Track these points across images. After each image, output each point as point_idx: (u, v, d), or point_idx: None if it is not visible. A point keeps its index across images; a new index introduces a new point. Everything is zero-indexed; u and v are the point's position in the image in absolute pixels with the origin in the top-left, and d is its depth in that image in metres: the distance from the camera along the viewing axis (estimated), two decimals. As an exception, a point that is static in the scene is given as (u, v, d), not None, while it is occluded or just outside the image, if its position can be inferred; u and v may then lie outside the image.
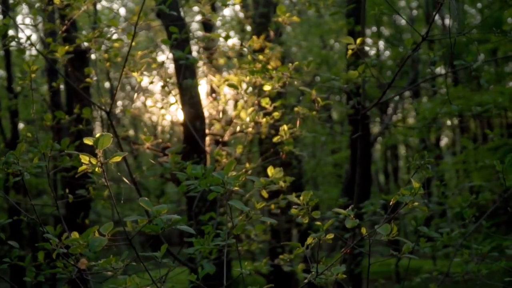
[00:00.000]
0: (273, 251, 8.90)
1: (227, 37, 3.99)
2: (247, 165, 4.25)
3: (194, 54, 7.82)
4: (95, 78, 4.71)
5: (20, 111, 11.70)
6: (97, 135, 2.25)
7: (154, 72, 4.44)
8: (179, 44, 5.18)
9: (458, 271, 4.39)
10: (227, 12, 27.49)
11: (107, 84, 13.39)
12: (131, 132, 17.93)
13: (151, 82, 3.89)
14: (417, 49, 3.37)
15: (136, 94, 4.17)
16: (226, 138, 4.69)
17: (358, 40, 3.31)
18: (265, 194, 3.40)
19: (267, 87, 3.62)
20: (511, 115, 12.16)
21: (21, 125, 13.33)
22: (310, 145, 11.53)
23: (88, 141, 2.27)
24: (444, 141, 18.72)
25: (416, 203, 2.29)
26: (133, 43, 3.65)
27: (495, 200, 7.80)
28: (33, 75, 3.31)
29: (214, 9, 13.20)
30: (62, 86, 10.99)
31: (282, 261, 3.80)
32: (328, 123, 11.34)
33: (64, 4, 3.56)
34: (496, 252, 4.50)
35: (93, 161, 2.30)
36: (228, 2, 3.69)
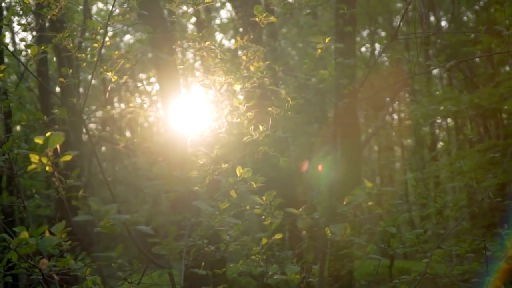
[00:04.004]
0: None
1: (202, 37, 3.97)
2: (223, 165, 4.22)
3: (192, 55, 7.83)
4: (83, 78, 4.69)
5: (13, 113, 11.70)
6: (47, 134, 2.24)
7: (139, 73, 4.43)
8: (160, 42, 5.17)
9: (441, 271, 4.36)
10: (223, 13, 27.45)
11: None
12: (128, 134, 17.93)
13: (124, 81, 3.87)
14: (387, 47, 3.35)
15: (107, 94, 4.15)
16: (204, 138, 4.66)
17: (327, 40, 3.29)
18: (233, 194, 3.38)
19: (237, 86, 3.61)
20: (506, 116, 12.11)
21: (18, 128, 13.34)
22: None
23: (38, 140, 2.25)
24: (441, 143, 18.71)
25: (370, 203, 2.26)
26: (130, 42, 3.63)
27: (491, 202, 7.76)
28: (0, 75, 3.29)
29: (208, 10, 13.21)
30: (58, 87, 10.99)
31: (254, 262, 3.76)
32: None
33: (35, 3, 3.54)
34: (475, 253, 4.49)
35: (44, 160, 2.28)
36: (199, 2, 3.66)
